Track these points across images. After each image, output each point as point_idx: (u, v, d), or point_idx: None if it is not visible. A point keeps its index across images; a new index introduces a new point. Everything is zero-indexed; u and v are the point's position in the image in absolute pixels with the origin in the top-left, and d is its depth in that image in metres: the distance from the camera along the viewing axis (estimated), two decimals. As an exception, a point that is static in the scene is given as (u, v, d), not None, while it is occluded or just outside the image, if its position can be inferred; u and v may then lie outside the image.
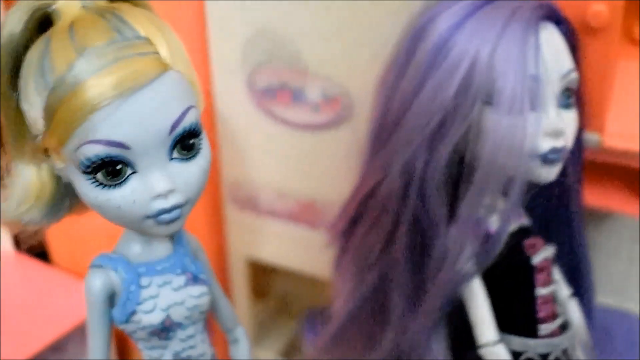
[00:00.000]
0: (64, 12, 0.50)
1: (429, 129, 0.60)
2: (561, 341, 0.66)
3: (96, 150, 0.48)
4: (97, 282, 0.55)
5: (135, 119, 0.48)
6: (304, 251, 0.89)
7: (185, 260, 0.59)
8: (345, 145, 0.78)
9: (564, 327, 0.68)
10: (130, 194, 0.50)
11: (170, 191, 0.50)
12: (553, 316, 0.67)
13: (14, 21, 0.49)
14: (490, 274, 0.64)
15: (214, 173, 0.91)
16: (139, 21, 0.49)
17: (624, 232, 0.86)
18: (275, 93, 0.81)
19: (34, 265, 1.10)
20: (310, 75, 0.78)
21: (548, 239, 0.69)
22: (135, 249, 0.57)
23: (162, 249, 0.58)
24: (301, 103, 0.81)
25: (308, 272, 0.91)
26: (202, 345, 0.62)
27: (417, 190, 0.62)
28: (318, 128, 0.81)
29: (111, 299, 0.56)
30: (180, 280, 0.58)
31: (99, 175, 0.49)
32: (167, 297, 0.57)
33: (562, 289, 0.71)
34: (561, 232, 0.71)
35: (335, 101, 0.78)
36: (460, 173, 0.61)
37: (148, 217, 0.51)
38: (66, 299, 1.03)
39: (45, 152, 0.51)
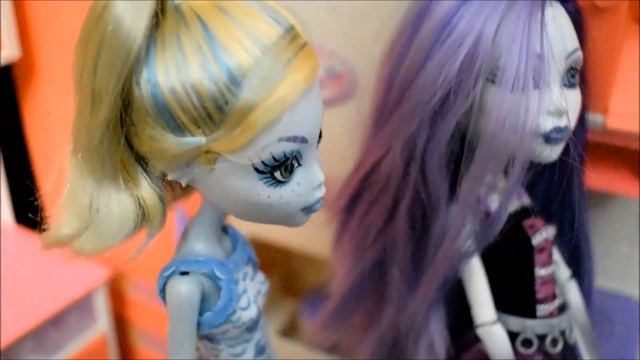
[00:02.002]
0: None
1: (432, 105, 0.59)
2: (559, 322, 0.66)
3: (286, 147, 0.47)
4: (191, 290, 0.53)
5: (312, 112, 0.48)
6: (305, 229, 0.87)
7: (246, 248, 0.59)
8: (350, 122, 0.77)
9: (562, 309, 0.68)
10: (297, 188, 0.50)
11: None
12: (552, 297, 0.67)
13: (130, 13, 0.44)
14: (490, 254, 0.64)
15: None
16: (273, 5, 0.49)
17: (627, 215, 0.85)
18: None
19: (33, 238, 1.09)
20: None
21: (549, 220, 0.69)
22: (214, 247, 0.56)
23: (228, 242, 0.58)
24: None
25: (310, 250, 0.90)
26: (266, 330, 0.62)
27: (418, 167, 0.62)
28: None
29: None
30: (250, 270, 0.59)
31: (277, 173, 0.48)
32: (251, 289, 0.58)
33: (562, 270, 0.70)
34: (563, 214, 0.71)
35: (340, 77, 0.78)
36: (462, 151, 0.61)
37: (305, 208, 0.51)
38: (66, 272, 1.03)
39: (196, 157, 0.48)
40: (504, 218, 0.61)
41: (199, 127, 0.46)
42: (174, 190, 0.57)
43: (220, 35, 0.45)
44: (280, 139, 0.47)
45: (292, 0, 0.77)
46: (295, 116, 0.47)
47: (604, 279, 0.88)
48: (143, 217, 0.50)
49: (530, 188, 0.70)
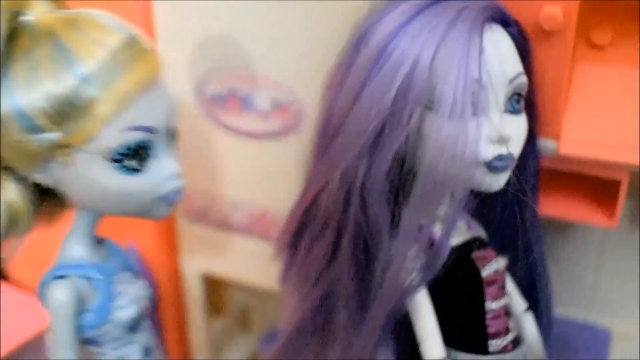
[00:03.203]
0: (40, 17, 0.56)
1: (369, 135, 0.57)
2: (513, 357, 0.64)
3: (135, 136, 0.55)
4: (67, 293, 0.58)
5: (156, 106, 0.57)
6: (259, 264, 0.86)
7: (124, 258, 0.65)
8: (297, 153, 0.75)
9: (517, 343, 0.65)
10: (151, 176, 0.57)
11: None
12: (505, 331, 0.64)
13: None
14: (438, 288, 0.62)
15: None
16: (119, 20, 0.58)
17: (589, 242, 0.84)
18: (224, 101, 0.79)
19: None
20: (259, 82, 0.76)
21: (504, 251, 0.66)
22: (89, 252, 0.61)
23: (104, 248, 0.63)
24: (250, 111, 0.78)
25: (264, 286, 0.88)
26: (154, 336, 0.68)
27: (358, 199, 0.59)
28: (268, 137, 0.79)
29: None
30: (129, 275, 0.64)
31: (132, 162, 0.56)
32: (130, 291, 0.63)
33: (517, 302, 0.68)
34: (517, 243, 0.68)
35: (285, 109, 0.76)
36: (403, 180, 0.58)
37: (162, 197, 0.58)
38: (19, 313, 1.00)
39: (49, 153, 0.55)
40: (446, 249, 0.58)
41: (53, 124, 0.53)
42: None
43: (69, 43, 0.54)
44: (128, 129, 0.55)
45: (236, 31, 0.77)
46: (139, 108, 0.55)
47: (569, 308, 0.86)
48: (10, 221, 0.57)
49: (483, 218, 0.68)
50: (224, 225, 0.88)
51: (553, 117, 0.69)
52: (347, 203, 0.60)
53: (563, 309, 0.86)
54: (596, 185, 0.76)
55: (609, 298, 0.86)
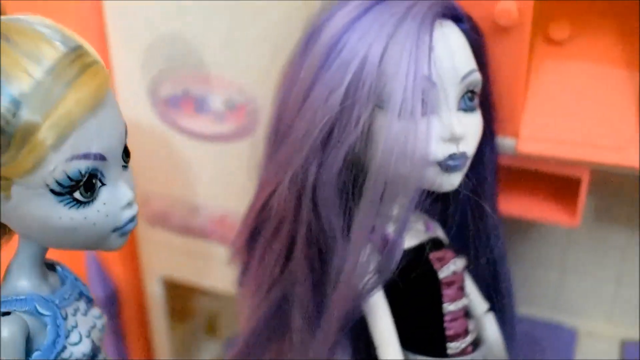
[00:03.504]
0: None
1: (318, 134, 0.56)
2: (472, 359, 0.62)
3: (80, 166, 0.47)
4: (13, 331, 0.50)
5: (105, 128, 0.48)
6: (219, 269, 0.84)
7: (76, 284, 0.58)
8: (255, 155, 0.74)
9: (477, 344, 0.64)
10: (103, 207, 0.49)
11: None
12: (464, 333, 0.63)
13: None
14: (395, 290, 0.61)
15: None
16: (61, 28, 0.49)
17: (554, 241, 0.83)
18: (178, 102, 0.77)
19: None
20: (213, 83, 0.74)
21: (465, 251, 0.65)
22: (36, 284, 0.54)
23: (54, 278, 0.57)
24: (205, 112, 0.77)
25: (225, 290, 0.86)
26: None
27: (310, 201, 0.58)
28: (225, 138, 0.77)
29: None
30: (82, 304, 0.57)
31: (77, 194, 0.48)
32: (83, 323, 0.56)
33: (478, 303, 0.67)
34: (478, 244, 0.67)
35: (240, 110, 0.75)
36: (355, 182, 0.57)
37: (116, 229, 0.51)
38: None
39: None
40: (400, 249, 0.57)
41: None
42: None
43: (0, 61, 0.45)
44: (73, 157, 0.47)
45: (188, 31, 0.75)
46: (85, 133, 0.47)
47: (534, 308, 0.85)
48: None
49: (443, 218, 0.67)
50: (184, 229, 0.86)
51: (511, 114, 0.68)
52: (298, 205, 0.59)
53: (528, 308, 0.86)
54: (558, 184, 0.75)
55: (574, 297, 0.85)
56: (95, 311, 0.59)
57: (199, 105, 0.77)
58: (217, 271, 0.87)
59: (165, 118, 0.80)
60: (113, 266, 0.92)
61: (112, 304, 0.93)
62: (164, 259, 0.90)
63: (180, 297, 0.99)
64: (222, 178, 0.81)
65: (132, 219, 0.52)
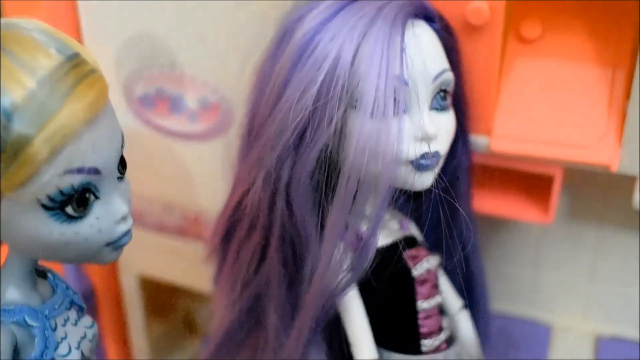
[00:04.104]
0: None
1: (291, 134, 0.56)
2: (446, 356, 0.63)
3: (74, 180, 0.45)
4: (1, 341, 0.49)
5: (101, 141, 0.46)
6: (195, 267, 0.84)
7: (67, 293, 0.56)
8: (229, 154, 0.73)
9: (451, 341, 0.65)
10: (96, 222, 0.48)
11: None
12: (438, 331, 0.64)
13: None
14: (369, 288, 0.61)
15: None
16: (58, 34, 0.47)
17: (528, 239, 0.83)
18: (153, 102, 0.77)
19: None
20: (186, 82, 0.74)
21: (439, 249, 0.66)
22: (25, 295, 0.52)
23: (45, 286, 0.55)
24: (179, 112, 0.77)
25: (201, 289, 0.86)
26: None
27: (283, 200, 0.58)
28: (199, 137, 0.77)
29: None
30: (73, 314, 0.55)
31: (69, 209, 0.46)
32: (73, 334, 0.54)
33: (452, 300, 0.68)
34: (451, 241, 0.67)
35: (214, 109, 0.75)
36: (329, 181, 0.57)
37: (109, 243, 0.49)
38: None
39: None
40: (373, 248, 0.57)
41: None
42: None
43: None
44: (66, 172, 0.45)
45: (161, 30, 0.75)
46: (80, 146, 0.45)
47: (509, 305, 0.86)
48: None
49: (417, 216, 0.67)
50: (159, 227, 0.86)
51: (484, 113, 0.68)
52: (272, 205, 0.59)
53: (503, 305, 0.86)
54: (531, 181, 0.75)
55: (548, 293, 0.86)
56: (87, 320, 0.57)
57: (173, 104, 0.77)
58: (193, 269, 0.87)
59: (140, 117, 0.80)
60: (90, 265, 0.91)
61: (89, 303, 0.93)
62: (140, 257, 0.90)
63: (159, 295, 0.99)
64: (197, 177, 0.81)
65: (127, 233, 0.50)
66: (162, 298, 1.01)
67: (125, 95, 0.79)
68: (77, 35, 0.79)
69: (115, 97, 0.76)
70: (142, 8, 0.74)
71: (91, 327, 0.57)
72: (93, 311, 0.94)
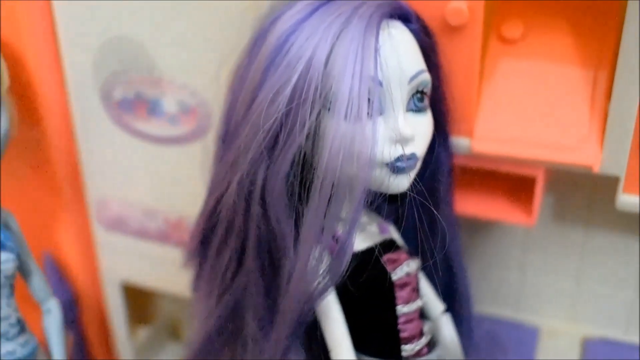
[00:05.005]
0: None
1: (265, 137, 0.55)
2: (427, 360, 0.62)
3: None
4: None
5: None
6: (178, 273, 0.83)
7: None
8: (209, 158, 0.73)
9: (432, 346, 0.64)
10: None
11: None
12: (419, 335, 0.63)
13: None
14: (349, 292, 0.60)
15: (79, 192, 0.86)
16: None
17: (514, 241, 0.83)
18: (132, 106, 0.76)
19: None
20: (165, 85, 0.73)
21: (421, 252, 0.65)
22: None
23: None
24: (159, 116, 0.76)
25: (185, 294, 0.85)
26: (6, 309, 0.66)
27: (259, 204, 0.57)
28: (179, 141, 0.77)
29: None
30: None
31: None
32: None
33: (433, 304, 0.67)
34: (433, 244, 0.66)
35: (193, 112, 0.74)
36: (304, 184, 0.56)
37: None
38: None
39: None
40: (349, 251, 0.56)
41: None
42: None
43: None
44: None
45: (139, 32, 0.74)
46: None
47: (495, 307, 0.85)
48: None
49: (398, 220, 0.67)
50: (141, 233, 0.85)
51: (465, 114, 0.68)
52: (247, 208, 0.58)
53: (489, 308, 0.86)
54: (514, 183, 0.75)
55: (535, 295, 0.86)
56: (1, 256, 0.63)
57: (152, 108, 0.76)
58: (176, 275, 0.86)
59: (120, 121, 0.79)
60: (72, 271, 0.91)
61: (72, 310, 0.92)
62: (123, 263, 0.89)
63: (142, 301, 0.98)
64: (178, 181, 0.80)
65: None
66: (145, 304, 1.00)
67: (104, 99, 0.78)
68: (54, 39, 0.78)
69: (95, 101, 0.76)
70: (118, 11, 0.74)
71: (4, 263, 0.63)
72: (76, 319, 0.93)
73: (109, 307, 0.94)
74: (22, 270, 0.69)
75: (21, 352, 0.69)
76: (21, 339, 0.69)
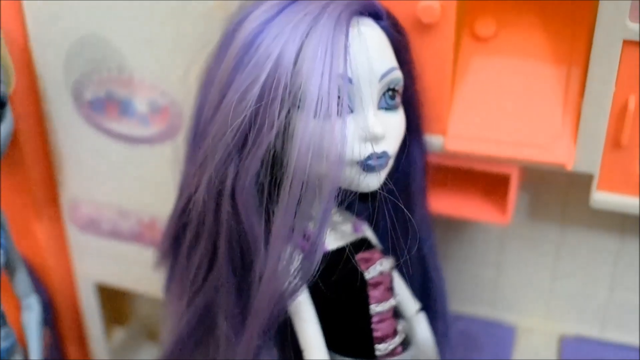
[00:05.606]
0: None
1: (234, 136, 0.55)
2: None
3: None
4: None
5: None
6: (152, 273, 0.82)
7: None
8: (179, 158, 0.72)
9: (406, 345, 0.64)
10: None
11: None
12: (392, 334, 0.62)
13: None
14: (321, 292, 0.60)
15: (52, 192, 0.85)
16: None
17: (489, 239, 0.83)
18: (103, 106, 0.76)
19: None
20: (136, 85, 0.73)
21: (395, 251, 0.64)
22: None
23: None
24: (130, 116, 0.75)
25: (159, 295, 0.85)
26: None
27: (229, 204, 0.57)
28: (150, 141, 0.76)
29: None
30: None
31: None
32: None
33: (408, 303, 0.66)
34: (407, 243, 0.66)
35: (164, 112, 0.73)
36: (275, 183, 0.56)
37: None
38: None
39: None
40: (320, 250, 0.56)
41: None
42: None
43: None
44: None
45: (108, 32, 0.73)
46: None
47: (472, 306, 0.85)
48: None
49: (371, 218, 0.66)
50: (114, 234, 0.84)
51: (438, 112, 0.68)
52: (217, 208, 0.58)
53: (466, 306, 0.86)
54: (488, 181, 0.74)
55: (511, 294, 0.85)
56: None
57: (123, 108, 0.76)
58: (150, 276, 0.85)
59: (91, 121, 0.78)
60: (46, 273, 0.90)
61: (47, 311, 0.91)
62: (97, 264, 0.89)
63: (117, 302, 0.97)
64: (150, 181, 0.79)
65: None
66: (121, 305, 0.99)
67: (76, 99, 0.78)
68: (25, 39, 0.77)
69: (66, 101, 0.75)
70: (88, 11, 0.73)
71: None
72: (51, 321, 0.92)
73: (83, 308, 0.93)
74: (7, 265, 0.69)
75: (2, 344, 0.68)
76: (2, 332, 0.69)
